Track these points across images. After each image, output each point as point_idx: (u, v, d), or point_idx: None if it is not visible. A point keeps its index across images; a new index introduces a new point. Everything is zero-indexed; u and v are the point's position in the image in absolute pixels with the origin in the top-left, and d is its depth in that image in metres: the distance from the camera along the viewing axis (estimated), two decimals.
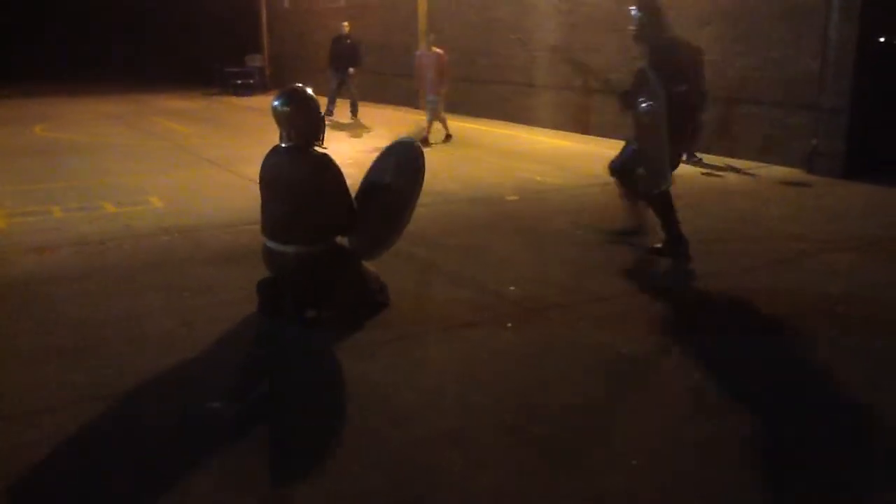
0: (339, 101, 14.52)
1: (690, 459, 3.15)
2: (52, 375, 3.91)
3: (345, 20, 15.28)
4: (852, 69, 8.60)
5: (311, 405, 3.68)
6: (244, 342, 4.40)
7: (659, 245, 5.88)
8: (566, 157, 10.44)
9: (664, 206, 5.72)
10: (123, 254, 6.04)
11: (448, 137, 11.66)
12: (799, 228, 6.74)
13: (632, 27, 5.64)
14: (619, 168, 6.05)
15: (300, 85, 4.65)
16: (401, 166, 4.80)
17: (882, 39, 8.69)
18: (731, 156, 9.94)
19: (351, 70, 14.35)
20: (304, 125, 4.46)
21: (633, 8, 5.60)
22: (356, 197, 4.78)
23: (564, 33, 12.67)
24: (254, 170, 8.31)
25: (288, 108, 4.44)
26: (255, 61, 22.14)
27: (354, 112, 14.72)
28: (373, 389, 3.75)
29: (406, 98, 16.49)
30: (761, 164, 9.53)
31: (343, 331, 4.43)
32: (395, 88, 17.11)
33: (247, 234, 6.35)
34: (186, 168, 9.82)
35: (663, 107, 5.30)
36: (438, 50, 11.62)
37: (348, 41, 14.61)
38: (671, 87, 5.35)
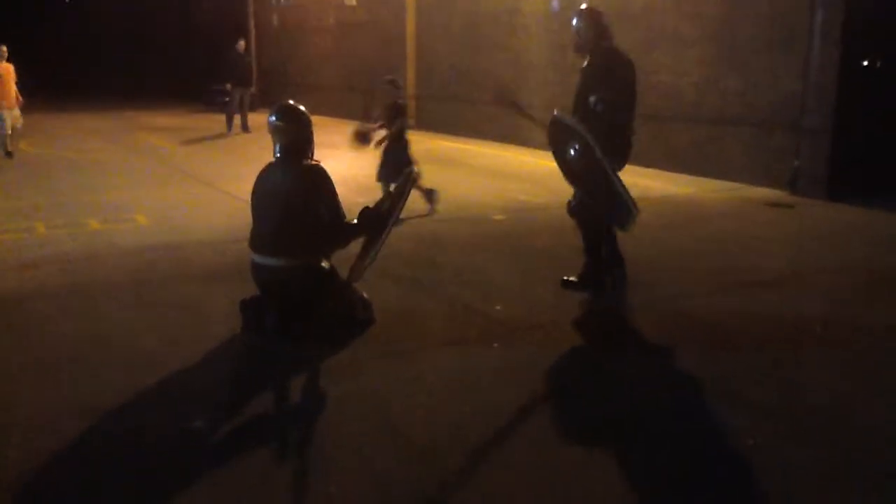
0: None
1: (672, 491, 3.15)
2: (32, 392, 3.89)
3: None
4: (835, 92, 8.70)
5: (294, 422, 3.67)
6: (228, 360, 4.38)
7: (574, 278, 5.52)
8: (552, 176, 10.45)
9: (597, 232, 5.35)
10: (108, 271, 6.01)
11: None
12: (779, 249, 6.79)
13: (574, 36, 5.38)
14: (576, 210, 5.51)
15: (293, 101, 4.78)
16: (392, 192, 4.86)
17: (865, 63, 8.81)
18: (715, 177, 10.02)
19: (252, 89, 15.94)
20: (296, 139, 4.59)
21: (574, 17, 5.36)
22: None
23: (552, 53, 12.77)
24: (238, 187, 8.33)
25: (282, 123, 4.60)
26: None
27: (246, 127, 15.55)
28: (357, 407, 3.74)
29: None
30: (744, 186, 9.61)
31: (327, 348, 4.42)
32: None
33: (232, 251, 6.34)
34: (172, 185, 9.80)
35: (594, 144, 4.86)
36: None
37: (247, 59, 15.93)
38: (605, 97, 5.06)
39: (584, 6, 5.45)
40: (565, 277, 5.57)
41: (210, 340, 4.53)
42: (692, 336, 4.78)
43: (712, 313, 5.14)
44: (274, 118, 4.62)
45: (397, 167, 7.31)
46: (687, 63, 10.50)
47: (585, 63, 5.36)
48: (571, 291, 5.47)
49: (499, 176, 10.62)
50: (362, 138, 7.97)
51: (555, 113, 5.31)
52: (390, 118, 8.02)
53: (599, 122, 5.02)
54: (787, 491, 3.08)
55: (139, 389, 3.91)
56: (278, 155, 4.62)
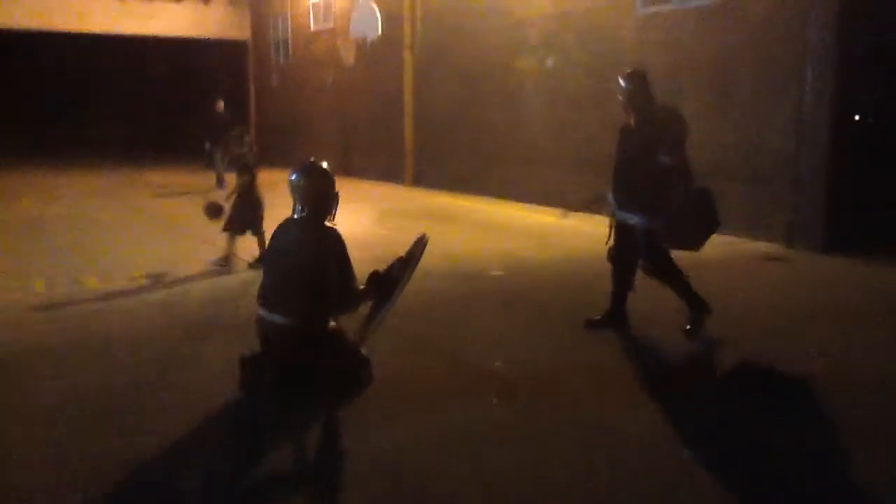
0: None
1: None
2: (21, 451, 3.85)
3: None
4: (828, 146, 8.81)
5: (290, 485, 3.63)
6: (225, 419, 4.34)
7: (688, 327, 5.67)
8: (549, 232, 10.54)
9: (678, 274, 5.62)
10: (106, 328, 5.99)
11: None
12: (776, 301, 6.79)
13: (620, 97, 5.61)
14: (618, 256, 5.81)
15: (315, 159, 4.70)
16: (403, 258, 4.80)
17: (857, 117, 8.95)
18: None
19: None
20: (317, 198, 4.52)
21: (621, 78, 5.60)
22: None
23: (548, 109, 12.95)
24: (238, 245, 8.38)
25: (303, 181, 4.51)
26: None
27: (221, 184, 15.72)
28: (354, 470, 3.70)
29: (393, 173, 16.72)
30: (739, 240, 9.63)
31: (326, 409, 4.38)
32: (382, 164, 17.33)
33: (231, 309, 6.34)
34: (172, 242, 9.83)
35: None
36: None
37: (224, 118, 16.33)
38: (659, 156, 5.34)
39: (631, 69, 5.70)
40: (688, 327, 5.66)
41: (210, 398, 4.50)
42: (690, 390, 4.77)
43: (709, 366, 5.13)
44: (295, 177, 4.52)
45: (244, 219, 7.96)
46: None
47: (634, 122, 5.60)
48: (692, 340, 5.59)
49: (496, 231, 10.67)
50: (215, 212, 8.14)
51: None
52: (238, 172, 8.27)
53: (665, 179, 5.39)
54: None
55: (136, 449, 3.86)
56: (297, 214, 4.55)
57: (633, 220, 5.59)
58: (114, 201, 14.14)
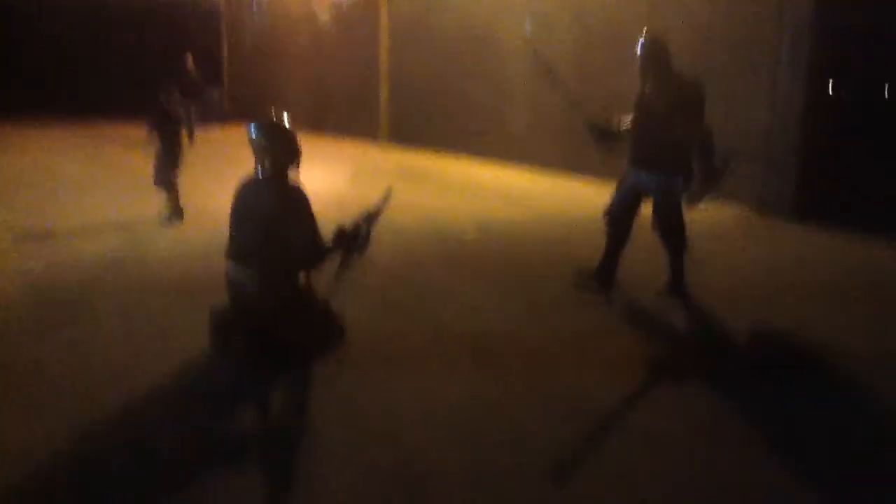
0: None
1: None
2: None
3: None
4: (801, 119, 8.87)
5: (262, 441, 3.62)
6: (195, 374, 4.31)
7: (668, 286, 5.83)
8: (528, 194, 10.53)
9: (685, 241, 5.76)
10: (76, 284, 5.91)
11: None
12: (747, 272, 6.86)
13: (638, 61, 5.65)
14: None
15: (278, 115, 4.59)
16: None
17: (831, 92, 9.00)
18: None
19: (198, 100, 16.32)
20: (280, 156, 4.44)
21: (640, 42, 5.64)
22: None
23: (527, 73, 12.87)
24: (207, 201, 8.27)
25: (263, 139, 4.42)
26: (213, 93, 22.03)
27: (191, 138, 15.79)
28: (324, 426, 3.70)
29: (368, 132, 16.59)
30: (713, 206, 9.68)
31: (296, 366, 4.36)
32: (357, 123, 17.18)
33: (200, 266, 6.27)
34: (139, 198, 9.67)
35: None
36: None
37: (194, 73, 16.46)
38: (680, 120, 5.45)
39: (648, 35, 5.65)
40: (661, 289, 5.80)
41: (181, 354, 4.47)
42: (665, 360, 4.81)
43: (686, 336, 5.18)
44: (255, 134, 4.42)
45: (167, 169, 8.14)
46: None
47: (651, 88, 5.61)
48: (675, 298, 5.72)
49: (473, 193, 10.64)
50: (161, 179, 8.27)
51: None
52: (159, 125, 8.31)
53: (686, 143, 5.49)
54: None
55: (110, 403, 3.83)
56: (259, 173, 4.48)
57: (652, 181, 5.64)
58: (82, 155, 13.88)
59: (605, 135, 5.88)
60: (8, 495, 3.06)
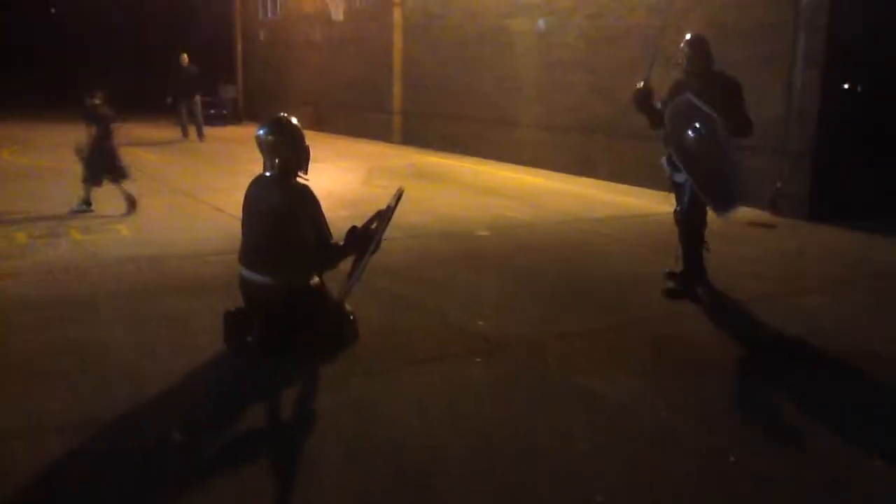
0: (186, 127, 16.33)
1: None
2: (7, 403, 3.83)
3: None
4: (816, 114, 8.81)
5: (273, 439, 3.63)
6: (211, 374, 4.33)
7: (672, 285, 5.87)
8: (538, 193, 10.51)
9: (699, 235, 5.75)
10: (89, 282, 5.95)
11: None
12: (761, 269, 6.82)
13: (680, 60, 5.77)
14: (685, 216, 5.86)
15: (285, 114, 4.62)
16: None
17: (846, 86, 8.93)
18: None
19: (197, 98, 16.35)
20: (287, 155, 4.45)
21: (684, 43, 5.75)
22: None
23: (539, 72, 12.85)
24: (223, 199, 8.30)
25: (272, 138, 4.44)
26: (229, 92, 22.14)
27: (201, 135, 16.38)
28: (336, 424, 3.71)
29: (381, 132, 16.62)
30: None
31: (309, 365, 4.38)
32: (370, 122, 17.21)
33: (214, 264, 6.31)
34: (155, 197, 9.71)
35: (722, 126, 5.35)
36: None
37: (190, 72, 16.35)
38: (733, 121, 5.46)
39: (692, 35, 5.81)
40: (665, 287, 5.84)
41: (190, 353, 4.49)
42: (676, 357, 4.80)
43: (696, 333, 5.16)
44: (262, 133, 4.46)
45: (100, 169, 8.41)
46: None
47: (695, 85, 5.64)
48: (676, 299, 5.72)
49: (484, 192, 10.62)
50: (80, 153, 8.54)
51: (687, 95, 5.58)
52: (87, 124, 8.62)
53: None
54: None
55: (118, 402, 3.85)
56: (267, 171, 4.49)
57: (682, 177, 5.68)
58: None
59: (651, 107, 5.91)
60: (15, 494, 3.09)
